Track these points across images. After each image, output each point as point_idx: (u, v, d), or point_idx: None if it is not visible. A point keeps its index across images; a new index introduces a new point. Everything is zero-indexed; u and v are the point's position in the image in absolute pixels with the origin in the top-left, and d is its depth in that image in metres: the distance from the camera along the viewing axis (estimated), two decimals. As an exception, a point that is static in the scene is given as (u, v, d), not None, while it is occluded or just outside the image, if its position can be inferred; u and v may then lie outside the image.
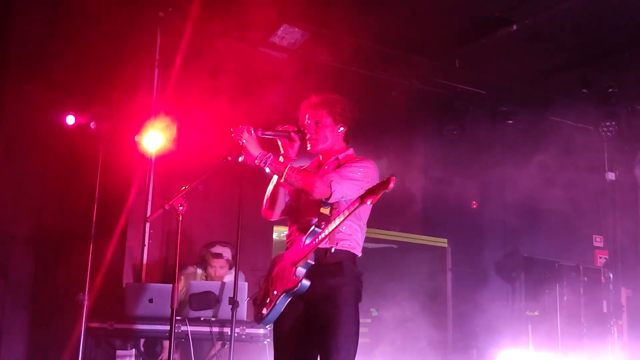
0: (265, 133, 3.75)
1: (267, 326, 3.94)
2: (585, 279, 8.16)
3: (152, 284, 5.70)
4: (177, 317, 5.01)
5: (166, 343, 5.37)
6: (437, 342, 7.43)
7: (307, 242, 3.51)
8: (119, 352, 5.67)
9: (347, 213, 3.39)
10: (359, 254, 3.67)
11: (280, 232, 8.28)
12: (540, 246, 8.35)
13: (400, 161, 7.68)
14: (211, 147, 5.79)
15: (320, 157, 3.90)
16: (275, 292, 3.53)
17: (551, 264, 8.07)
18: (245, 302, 5.18)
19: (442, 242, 8.53)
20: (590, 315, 8.09)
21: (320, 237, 3.46)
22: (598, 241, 9.04)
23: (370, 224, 7.92)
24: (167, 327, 4.34)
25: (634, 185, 9.33)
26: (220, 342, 5.40)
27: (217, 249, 5.89)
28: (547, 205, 7.89)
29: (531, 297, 8.04)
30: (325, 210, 3.59)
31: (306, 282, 3.44)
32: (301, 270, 3.47)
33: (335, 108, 3.86)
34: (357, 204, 3.34)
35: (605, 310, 8.33)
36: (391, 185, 3.21)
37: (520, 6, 6.37)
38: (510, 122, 8.37)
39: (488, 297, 7.88)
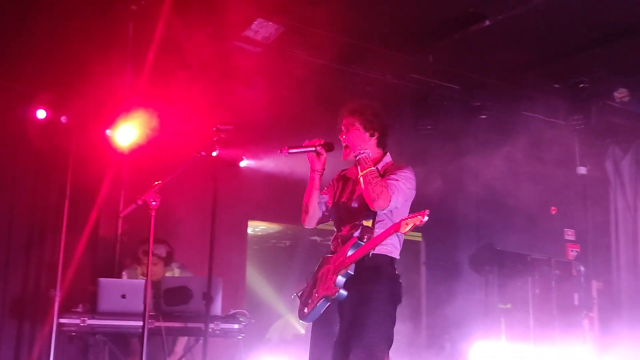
0: (292, 151, 3.84)
1: (306, 323, 4.01)
2: (557, 272, 8.26)
3: (125, 280, 5.67)
4: (151, 313, 4.98)
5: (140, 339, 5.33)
6: (411, 335, 7.48)
7: (350, 253, 3.63)
8: (91, 349, 5.62)
9: (379, 239, 3.53)
10: (398, 257, 3.78)
11: (255, 227, 8.28)
12: (512, 240, 8.43)
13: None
14: (185, 142, 5.77)
15: (359, 167, 3.90)
16: (316, 295, 3.71)
17: (523, 258, 8.16)
18: (218, 298, 5.16)
19: (417, 236, 8.58)
20: (561, 308, 8.20)
21: (362, 250, 3.60)
22: (569, 235, 9.16)
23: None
24: (140, 323, 4.33)
25: (604, 179, 9.46)
26: (194, 338, 5.38)
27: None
28: (520, 199, 7.96)
29: (504, 290, 8.12)
30: (367, 223, 3.72)
31: (343, 292, 3.61)
32: (341, 280, 3.63)
33: (366, 114, 3.89)
34: (392, 232, 3.47)
35: (576, 302, 8.44)
36: (425, 219, 3.34)
37: (492, 2, 6.41)
38: (484, 116, 8.42)
39: (461, 291, 7.94)
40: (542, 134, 8.31)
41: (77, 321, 5.01)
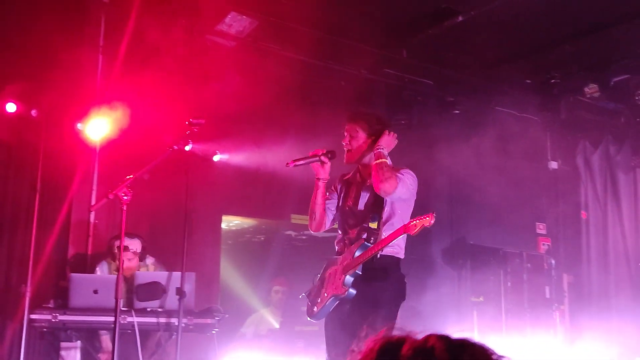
0: (298, 163, 4.04)
1: (316, 321, 4.23)
2: (529, 265, 8.36)
3: (97, 275, 5.62)
4: (123, 308, 4.95)
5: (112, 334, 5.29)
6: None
7: (358, 254, 3.88)
8: (63, 344, 5.57)
9: (389, 239, 3.83)
10: (403, 257, 4.04)
11: (229, 222, 8.25)
12: (485, 234, 8.51)
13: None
14: (157, 136, 5.73)
15: (360, 170, 4.19)
16: (326, 294, 3.97)
17: (496, 251, 8.24)
18: (191, 293, 5.14)
19: (391, 230, 8.61)
20: (533, 301, 8.30)
21: (371, 251, 3.86)
22: (541, 228, 9.26)
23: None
24: (113, 319, 4.30)
25: (575, 173, 9.59)
26: (167, 333, 5.36)
27: (124, 242, 5.74)
28: (493, 193, 8.03)
29: (476, 283, 8.20)
30: (373, 225, 3.97)
31: (352, 291, 3.88)
32: (349, 279, 3.88)
33: (369, 121, 4.13)
34: (401, 232, 3.76)
35: (547, 295, 8.55)
36: (432, 221, 3.70)
37: (466, -3, 6.46)
38: (457, 112, 8.48)
39: (434, 284, 7.99)
40: (514, 129, 8.40)
41: (49, 317, 4.96)
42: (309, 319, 4.17)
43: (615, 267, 8.93)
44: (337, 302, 3.94)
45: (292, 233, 8.43)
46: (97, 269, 5.78)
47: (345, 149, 4.12)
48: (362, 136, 4.09)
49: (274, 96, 6.74)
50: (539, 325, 8.16)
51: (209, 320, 5.22)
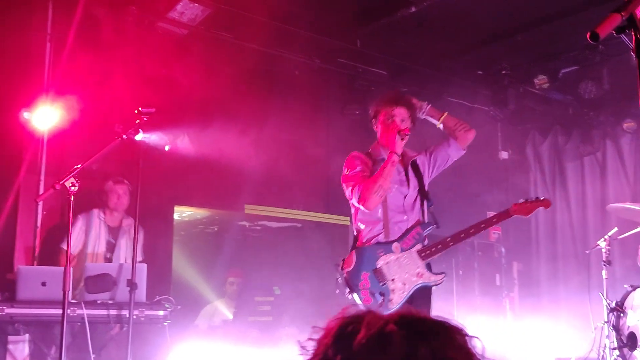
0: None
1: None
2: (480, 253, 8.50)
3: (45, 267, 5.51)
4: (73, 301, 4.86)
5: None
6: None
7: (426, 235, 4.14)
8: (11, 338, 5.44)
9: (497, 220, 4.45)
10: None
11: (181, 213, 8.16)
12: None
13: (303, 140, 7.71)
14: (107, 125, 5.62)
15: (398, 154, 4.22)
16: (407, 285, 3.98)
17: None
18: (142, 284, 5.07)
19: (345, 220, 8.65)
20: (484, 288, 8.45)
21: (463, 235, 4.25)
22: (492, 217, 9.40)
23: (275, 203, 8.00)
24: (61, 311, 4.22)
25: (525, 163, 9.77)
26: (118, 325, 5.28)
27: (117, 184, 5.94)
28: (443, 183, 8.11)
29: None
30: (431, 209, 4.27)
31: (445, 275, 4.16)
32: (427, 264, 4.07)
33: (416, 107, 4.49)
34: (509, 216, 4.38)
35: (498, 283, 8.71)
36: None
37: (419, -12, 6.50)
38: (410, 102, 8.52)
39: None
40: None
41: (-5, 310, 4.84)
42: (387, 309, 3.99)
43: (563, 255, 9.14)
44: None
45: (246, 224, 8.38)
46: (79, 222, 5.76)
47: (406, 133, 4.21)
48: (408, 125, 4.31)
49: (226, 85, 6.69)
50: (490, 312, 8.31)
51: (160, 312, 5.16)
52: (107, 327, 5.28)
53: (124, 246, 5.97)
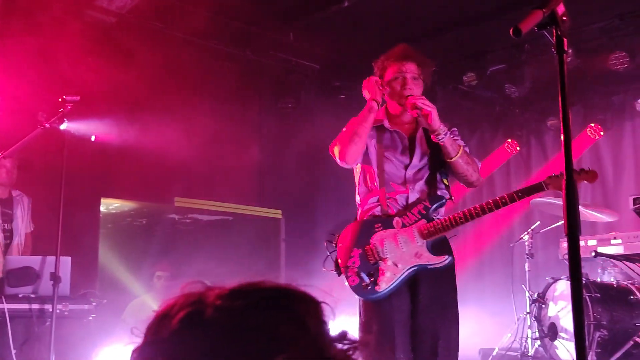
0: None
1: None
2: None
3: (-37, 261, 5.30)
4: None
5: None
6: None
7: (434, 215, 3.44)
8: None
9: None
10: None
11: (108, 205, 7.97)
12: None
13: (235, 133, 7.65)
14: (31, 114, 5.43)
15: (389, 120, 3.65)
16: (400, 266, 3.35)
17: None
18: (66, 278, 4.93)
19: (277, 213, 8.64)
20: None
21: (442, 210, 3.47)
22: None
23: (206, 195, 7.92)
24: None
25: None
26: (41, 320, 5.13)
27: None
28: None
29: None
30: (446, 181, 3.54)
31: (451, 259, 3.38)
32: (429, 244, 3.39)
33: (430, 66, 3.68)
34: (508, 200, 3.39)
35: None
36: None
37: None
38: (343, 97, 8.59)
39: (320, 267, 8.09)
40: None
41: None
42: (367, 297, 3.42)
43: (489, 247, 9.38)
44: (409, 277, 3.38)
45: (176, 217, 8.27)
46: None
47: (405, 94, 3.50)
48: (421, 85, 3.58)
49: (156, 75, 6.57)
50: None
51: (85, 307, 5.06)
52: (29, 321, 5.11)
53: (20, 216, 5.93)
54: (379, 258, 3.39)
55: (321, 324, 1.09)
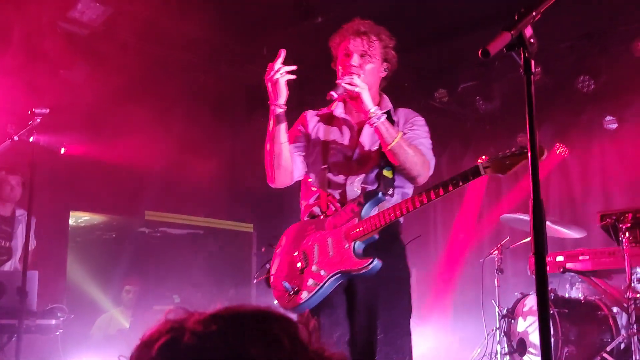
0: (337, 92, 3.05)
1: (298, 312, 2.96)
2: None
3: None
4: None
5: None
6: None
7: (372, 212, 2.88)
8: None
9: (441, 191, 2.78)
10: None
11: (77, 218, 7.88)
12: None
13: (206, 146, 7.62)
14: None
15: (345, 107, 3.17)
16: (322, 272, 2.89)
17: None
18: (33, 292, 4.86)
19: (248, 227, 8.61)
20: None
21: (385, 207, 2.88)
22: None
23: (176, 209, 7.89)
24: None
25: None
26: (6, 335, 5.04)
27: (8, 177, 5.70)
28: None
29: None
30: (388, 173, 2.97)
31: (378, 263, 2.82)
32: (360, 247, 2.87)
33: (385, 40, 3.20)
34: (442, 190, 2.80)
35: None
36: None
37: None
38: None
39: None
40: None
41: None
42: (289, 309, 2.93)
43: (459, 262, 9.44)
44: (340, 282, 2.92)
45: (146, 230, 8.19)
46: None
47: (353, 73, 3.07)
48: (378, 60, 3.15)
49: (128, 88, 6.53)
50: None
51: (52, 321, 4.98)
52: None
53: (20, 235, 5.78)
54: (305, 265, 2.96)
55: (298, 342, 1.09)
